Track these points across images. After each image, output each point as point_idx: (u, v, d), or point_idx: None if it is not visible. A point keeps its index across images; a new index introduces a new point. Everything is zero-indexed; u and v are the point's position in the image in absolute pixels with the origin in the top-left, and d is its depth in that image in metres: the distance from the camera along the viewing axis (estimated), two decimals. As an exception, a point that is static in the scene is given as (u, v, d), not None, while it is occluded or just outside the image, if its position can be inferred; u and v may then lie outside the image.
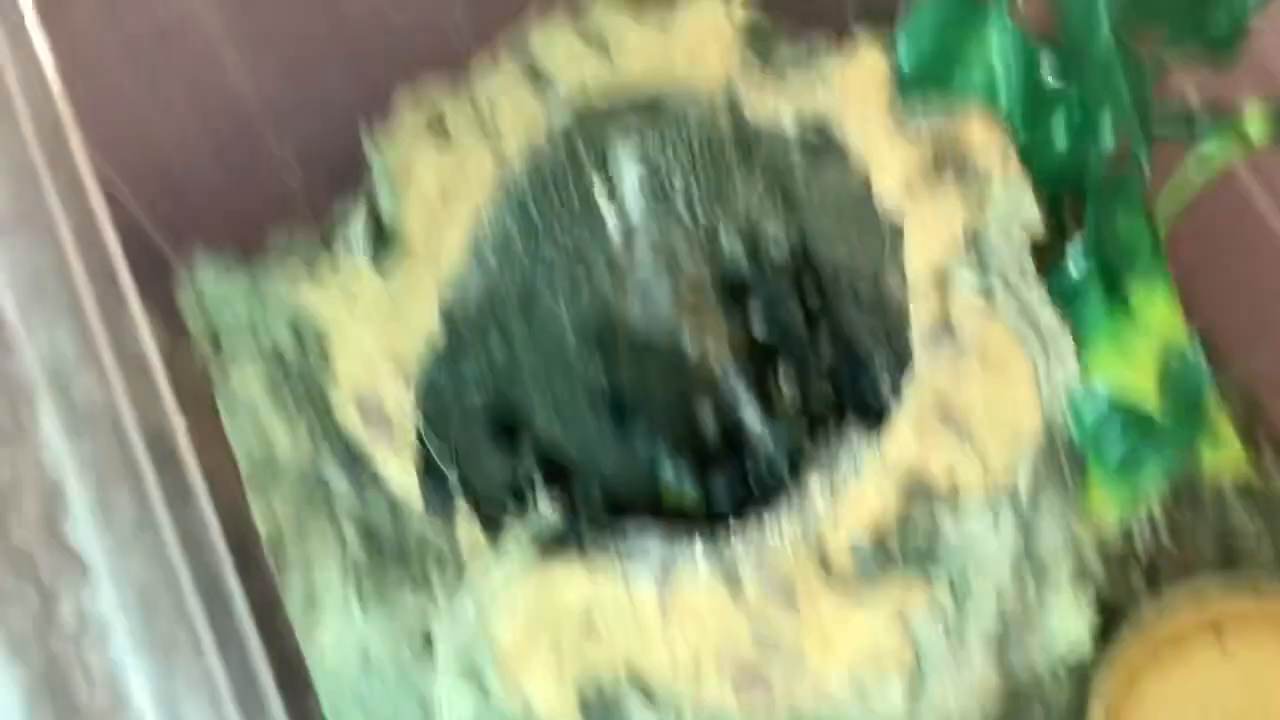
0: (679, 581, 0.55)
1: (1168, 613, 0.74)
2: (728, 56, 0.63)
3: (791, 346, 0.70)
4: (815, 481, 0.57)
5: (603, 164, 0.62)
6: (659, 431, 0.70)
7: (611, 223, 0.63)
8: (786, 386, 0.69)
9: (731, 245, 0.66)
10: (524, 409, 0.67)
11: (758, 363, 0.70)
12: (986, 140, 0.60)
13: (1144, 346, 0.67)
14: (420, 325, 0.58)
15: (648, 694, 0.55)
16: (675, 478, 0.70)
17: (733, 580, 0.55)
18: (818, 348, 0.70)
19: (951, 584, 0.57)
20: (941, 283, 0.59)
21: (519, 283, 0.63)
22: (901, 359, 0.62)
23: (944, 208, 0.59)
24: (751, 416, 0.70)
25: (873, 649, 0.55)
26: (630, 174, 0.62)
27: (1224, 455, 0.72)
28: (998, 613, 0.58)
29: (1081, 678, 0.67)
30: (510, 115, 0.61)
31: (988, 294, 0.59)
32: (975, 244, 0.59)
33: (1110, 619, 0.67)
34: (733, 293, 0.68)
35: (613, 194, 0.63)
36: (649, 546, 0.55)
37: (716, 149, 0.64)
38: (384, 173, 0.60)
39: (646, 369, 0.71)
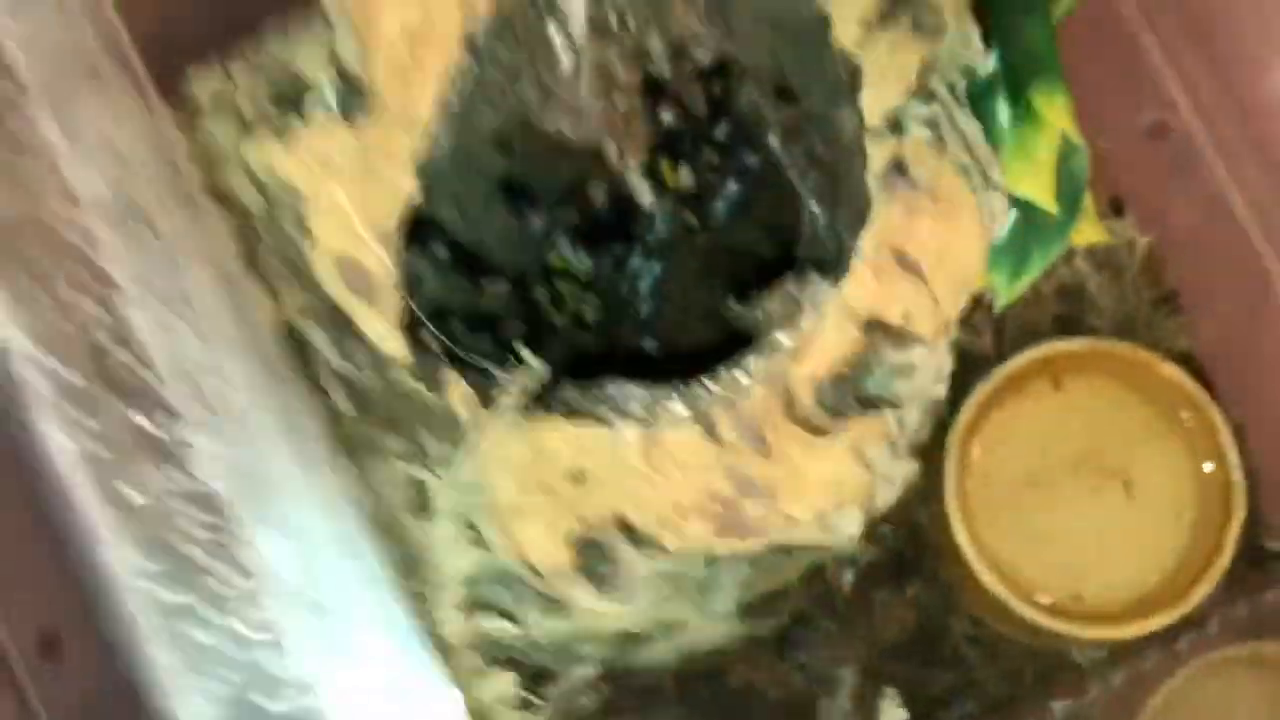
0: (660, 429, 0.58)
1: (1011, 358, 0.81)
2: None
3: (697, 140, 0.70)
4: (779, 325, 0.59)
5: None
6: (558, 215, 0.70)
7: (564, 57, 0.61)
8: (682, 166, 0.70)
9: (662, 55, 0.66)
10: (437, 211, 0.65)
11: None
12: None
13: (1045, 148, 0.71)
14: (397, 184, 0.57)
15: (634, 536, 0.58)
16: (571, 250, 0.70)
17: (709, 426, 0.58)
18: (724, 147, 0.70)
19: (898, 415, 0.61)
20: (896, 125, 0.60)
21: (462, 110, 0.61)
22: (836, 188, 0.64)
23: (901, 49, 0.61)
24: (643, 192, 0.70)
25: (836, 484, 0.59)
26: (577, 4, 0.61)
27: (1085, 228, 0.77)
28: (923, 420, 0.63)
29: (939, 420, 0.74)
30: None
31: (936, 131, 0.61)
32: (926, 82, 0.61)
33: (963, 368, 0.73)
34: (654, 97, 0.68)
35: (563, 28, 0.61)
36: (630, 397, 0.57)
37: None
38: (343, 20, 0.57)
39: (558, 170, 0.70)
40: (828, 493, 0.58)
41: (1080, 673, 0.87)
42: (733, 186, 0.70)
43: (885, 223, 0.59)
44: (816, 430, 0.58)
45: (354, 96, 0.57)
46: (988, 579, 0.81)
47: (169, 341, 0.40)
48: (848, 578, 0.83)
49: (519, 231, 0.71)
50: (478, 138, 0.66)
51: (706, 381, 0.58)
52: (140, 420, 0.39)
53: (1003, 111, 0.70)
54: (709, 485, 0.57)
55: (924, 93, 0.60)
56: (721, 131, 0.70)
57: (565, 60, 0.61)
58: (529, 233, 0.71)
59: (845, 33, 0.60)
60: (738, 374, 0.58)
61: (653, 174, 0.70)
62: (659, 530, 0.57)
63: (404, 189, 0.56)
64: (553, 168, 0.71)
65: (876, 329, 0.59)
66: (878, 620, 0.84)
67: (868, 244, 0.59)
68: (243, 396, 0.41)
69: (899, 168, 0.59)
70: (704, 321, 0.68)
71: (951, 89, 0.62)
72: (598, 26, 0.62)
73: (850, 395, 0.60)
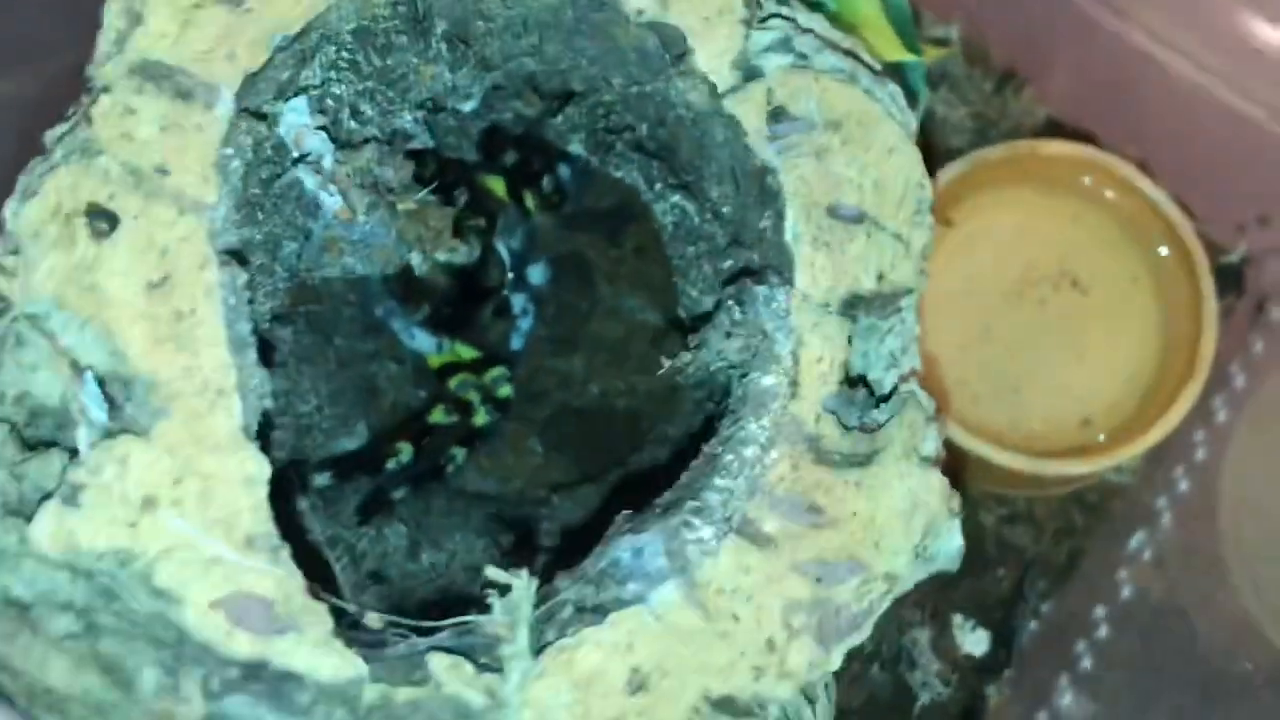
0: (697, 569, 0.44)
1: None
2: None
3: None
4: (751, 365, 0.46)
5: (279, 140, 0.46)
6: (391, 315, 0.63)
7: (323, 197, 0.46)
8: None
9: (417, 129, 0.51)
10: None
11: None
12: None
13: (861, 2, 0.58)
14: (235, 468, 0.42)
15: (736, 709, 0.45)
16: (434, 344, 0.65)
17: (749, 531, 0.45)
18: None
19: (913, 371, 0.49)
20: (750, 69, 0.47)
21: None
22: (701, 178, 0.51)
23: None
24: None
25: (913, 505, 0.47)
26: (311, 136, 0.46)
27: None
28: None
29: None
30: (167, 143, 0.42)
31: (792, 49, 0.48)
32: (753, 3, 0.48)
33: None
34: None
35: (308, 168, 0.46)
36: (642, 552, 0.44)
37: (379, 39, 0.48)
38: (74, 320, 0.41)
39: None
40: (912, 522, 0.45)
41: (1131, 494, 0.76)
42: (564, 173, 0.61)
43: (799, 185, 0.46)
44: (861, 459, 0.45)
45: (127, 398, 0.40)
46: (994, 454, 0.70)
47: None
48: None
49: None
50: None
51: (717, 480, 0.44)
52: None
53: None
54: (785, 598, 0.44)
55: (757, 16, 0.46)
56: (510, 158, 0.61)
57: (326, 200, 0.45)
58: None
59: (635, -5, 0.46)
60: (744, 451, 0.44)
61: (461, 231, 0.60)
62: (759, 685, 0.43)
63: (248, 471, 0.40)
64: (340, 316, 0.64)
65: (856, 307, 0.46)
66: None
67: (795, 219, 0.45)
68: None
69: (778, 114, 0.46)
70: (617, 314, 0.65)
71: (771, -11, 0.49)
72: (339, 141, 0.47)
73: (864, 393, 0.46)
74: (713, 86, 0.47)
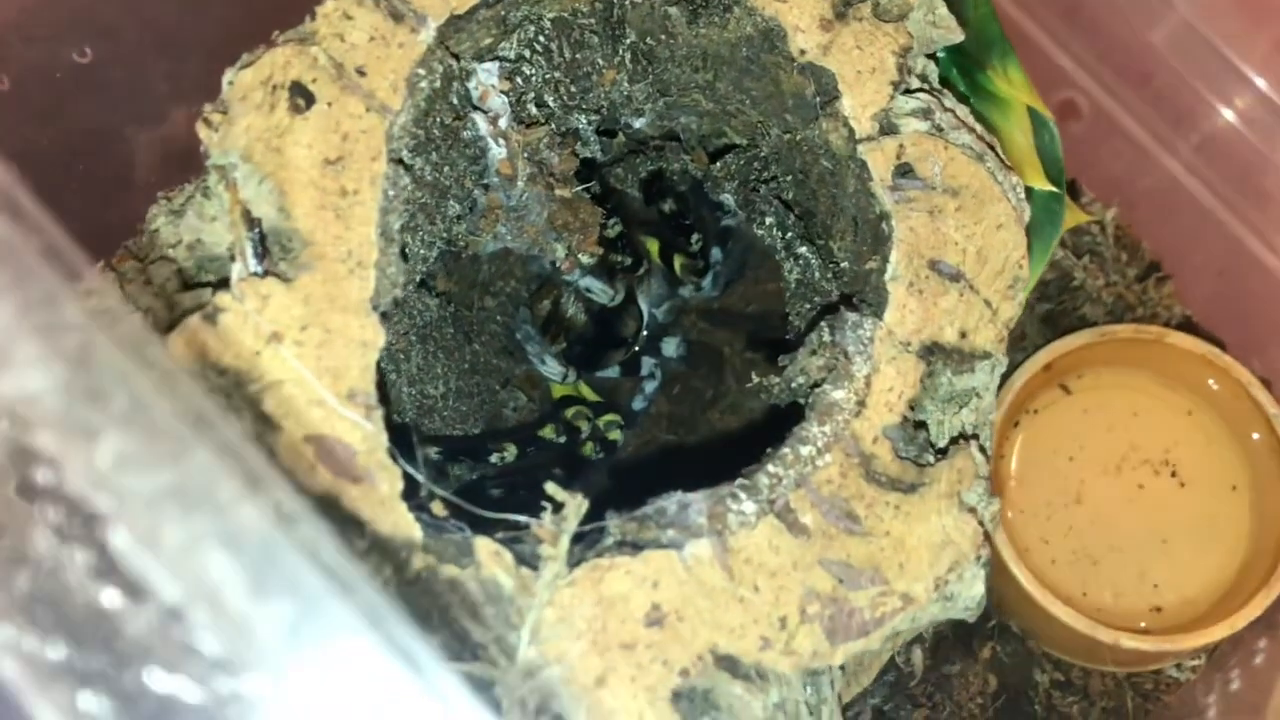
0: (733, 536, 0.48)
1: (1012, 373, 0.73)
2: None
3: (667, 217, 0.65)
4: (828, 381, 0.50)
5: (466, 91, 0.52)
6: (530, 340, 0.67)
7: (491, 150, 0.52)
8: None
9: (589, 133, 0.57)
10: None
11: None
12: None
13: (1018, 127, 0.63)
14: (356, 334, 0.47)
15: (737, 670, 0.48)
16: (560, 374, 0.68)
17: (787, 517, 0.49)
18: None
19: (978, 444, 0.52)
20: (888, 125, 0.52)
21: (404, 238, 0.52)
22: (827, 220, 0.56)
23: (870, 40, 0.53)
24: (600, 291, 0.63)
25: (945, 542, 0.50)
26: (497, 97, 0.52)
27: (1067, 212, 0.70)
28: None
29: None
30: (371, 51, 0.49)
31: (931, 120, 0.53)
32: (906, 70, 0.53)
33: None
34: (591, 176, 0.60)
35: (484, 117, 0.52)
36: (688, 508, 0.48)
37: (575, 33, 0.54)
38: (251, 170, 0.47)
39: (499, 293, 0.68)
40: (940, 555, 0.48)
41: (1185, 687, 0.77)
42: (715, 254, 0.66)
43: (909, 234, 0.51)
44: (906, 487, 0.49)
45: (283, 251, 0.46)
46: (1063, 614, 0.73)
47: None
48: (916, 657, 0.74)
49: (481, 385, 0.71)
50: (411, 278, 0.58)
51: (769, 466, 0.48)
52: (159, 681, 0.28)
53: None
54: (806, 585, 0.48)
55: (906, 82, 0.52)
56: (668, 205, 0.62)
57: (492, 148, 0.52)
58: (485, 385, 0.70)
59: (804, 40, 0.52)
60: (800, 448, 0.48)
61: (608, 269, 0.65)
62: (763, 655, 0.47)
63: (366, 337, 0.46)
64: (507, 297, 0.70)
65: (934, 355, 0.50)
66: (959, 694, 0.74)
67: (897, 263, 0.50)
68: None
69: (905, 170, 0.51)
70: (737, 410, 0.68)
71: (924, 75, 0.54)
72: (518, 117, 0.53)
73: (925, 436, 0.50)
74: (851, 131, 0.53)
